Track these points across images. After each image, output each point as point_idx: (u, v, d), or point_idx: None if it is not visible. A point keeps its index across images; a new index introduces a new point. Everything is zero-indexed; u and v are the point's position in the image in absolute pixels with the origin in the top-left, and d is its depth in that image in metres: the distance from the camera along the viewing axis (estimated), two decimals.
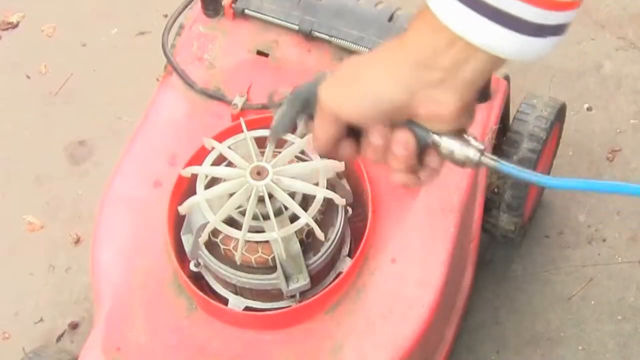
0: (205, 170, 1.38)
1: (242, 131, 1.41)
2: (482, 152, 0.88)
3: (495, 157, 0.88)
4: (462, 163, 0.88)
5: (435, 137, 0.86)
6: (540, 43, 0.78)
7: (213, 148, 1.40)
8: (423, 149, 0.88)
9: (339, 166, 1.38)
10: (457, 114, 0.83)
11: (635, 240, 1.95)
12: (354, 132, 0.90)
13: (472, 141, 0.88)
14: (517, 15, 0.75)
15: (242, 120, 1.42)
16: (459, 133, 0.87)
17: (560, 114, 1.82)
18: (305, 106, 0.94)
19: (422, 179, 0.89)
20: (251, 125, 1.44)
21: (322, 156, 1.41)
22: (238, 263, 1.34)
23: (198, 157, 1.43)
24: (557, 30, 0.78)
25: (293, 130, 0.97)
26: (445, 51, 0.79)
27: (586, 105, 2.12)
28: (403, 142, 0.85)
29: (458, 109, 0.83)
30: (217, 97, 1.57)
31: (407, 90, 0.82)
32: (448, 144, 0.87)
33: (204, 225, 1.34)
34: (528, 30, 0.77)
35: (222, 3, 1.63)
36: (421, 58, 0.80)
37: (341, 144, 0.90)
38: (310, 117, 0.93)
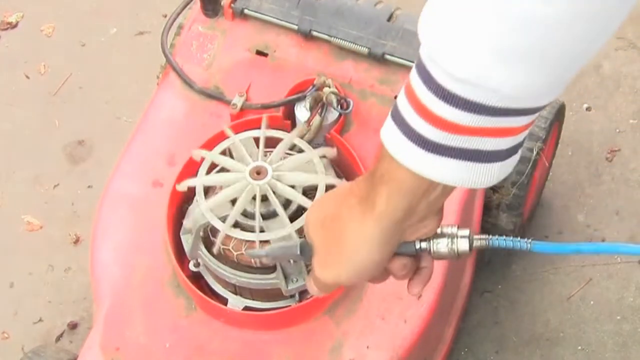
0: (203, 180, 1.37)
1: (232, 135, 1.40)
2: (470, 237, 0.88)
3: (484, 236, 0.89)
4: (457, 256, 0.89)
5: (423, 244, 0.88)
6: (514, 160, 0.79)
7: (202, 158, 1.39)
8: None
9: (331, 152, 1.38)
10: (439, 224, 0.86)
11: (634, 240, 1.95)
12: None
13: (458, 231, 0.88)
14: (494, 149, 0.75)
15: (225, 128, 1.41)
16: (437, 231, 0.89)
17: (560, 113, 1.82)
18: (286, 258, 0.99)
19: (430, 272, 0.92)
20: (250, 125, 1.44)
21: (314, 147, 1.41)
22: (236, 260, 1.34)
23: (194, 162, 1.42)
24: (518, 147, 0.79)
25: None
26: (420, 201, 0.80)
27: (585, 105, 2.12)
28: (400, 267, 0.88)
29: (440, 221, 0.86)
30: (216, 96, 1.57)
31: (395, 243, 0.85)
32: (437, 246, 0.88)
33: (204, 225, 1.34)
34: (504, 157, 0.77)
35: (221, 3, 1.63)
36: (400, 218, 0.81)
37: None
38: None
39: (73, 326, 1.92)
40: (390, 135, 0.77)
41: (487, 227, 1.81)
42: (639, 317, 1.86)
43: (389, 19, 1.57)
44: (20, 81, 2.26)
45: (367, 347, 1.38)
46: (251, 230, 1.33)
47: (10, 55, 2.30)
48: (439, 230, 0.88)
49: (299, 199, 1.33)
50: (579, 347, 1.84)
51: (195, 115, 1.57)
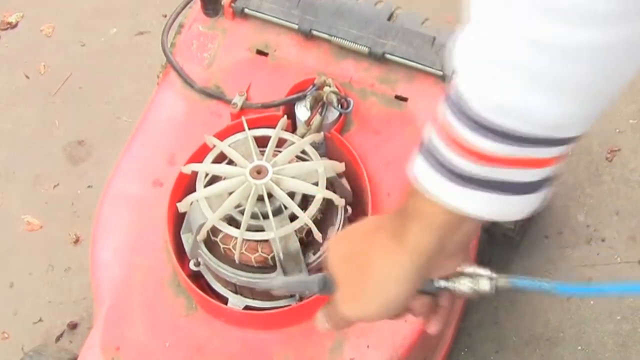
0: (206, 167, 1.38)
1: (242, 130, 1.41)
2: (493, 278, 0.87)
3: (507, 276, 0.87)
4: (478, 296, 0.88)
5: (445, 283, 0.87)
6: (545, 192, 0.78)
7: (214, 146, 1.40)
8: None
9: (340, 167, 1.39)
10: (462, 261, 0.86)
11: (634, 240, 1.95)
12: None
13: (480, 271, 0.87)
14: (528, 180, 0.75)
15: (243, 119, 1.43)
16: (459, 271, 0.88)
17: None
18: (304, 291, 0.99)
19: (447, 312, 0.91)
20: (250, 124, 1.44)
21: (321, 156, 1.41)
22: (237, 262, 1.34)
23: (197, 156, 1.43)
24: (549, 181, 0.78)
25: None
26: (451, 236, 0.80)
27: None
28: (421, 305, 0.88)
29: (464, 258, 0.86)
30: (216, 96, 1.57)
31: (422, 280, 0.85)
32: (460, 286, 0.87)
33: (204, 224, 1.33)
34: (537, 188, 0.77)
35: (222, 2, 1.63)
36: (430, 254, 0.81)
37: None
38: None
39: (73, 326, 1.92)
40: (421, 172, 0.77)
41: (488, 226, 1.81)
42: (638, 317, 1.86)
43: (389, 19, 1.57)
44: (20, 81, 2.26)
45: (367, 346, 1.38)
46: (250, 229, 1.33)
47: (10, 55, 2.30)
48: (458, 269, 0.87)
49: (291, 206, 1.32)
50: (579, 347, 1.84)
51: (195, 114, 1.57)
